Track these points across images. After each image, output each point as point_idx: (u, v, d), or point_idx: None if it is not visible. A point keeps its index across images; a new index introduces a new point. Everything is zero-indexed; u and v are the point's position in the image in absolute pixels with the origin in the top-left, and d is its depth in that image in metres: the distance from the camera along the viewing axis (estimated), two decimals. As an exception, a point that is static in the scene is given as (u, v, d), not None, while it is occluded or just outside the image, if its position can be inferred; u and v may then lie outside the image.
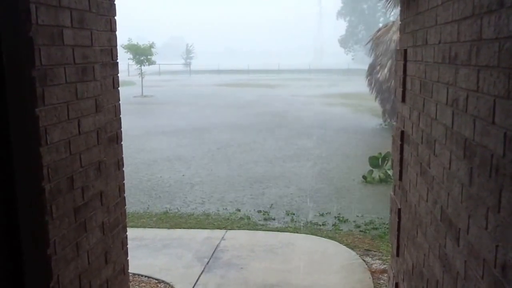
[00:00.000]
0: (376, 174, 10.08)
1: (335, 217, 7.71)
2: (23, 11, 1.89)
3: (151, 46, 35.02)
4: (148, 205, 8.38)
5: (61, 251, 2.15)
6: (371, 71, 18.40)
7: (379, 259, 5.87)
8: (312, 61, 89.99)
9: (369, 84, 18.64)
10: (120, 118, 3.08)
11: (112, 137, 2.92)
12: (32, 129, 1.95)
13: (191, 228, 7.16)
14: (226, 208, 8.21)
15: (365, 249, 6.23)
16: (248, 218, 7.66)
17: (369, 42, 18.39)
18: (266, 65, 78.04)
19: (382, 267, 5.58)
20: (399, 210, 3.52)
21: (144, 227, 7.19)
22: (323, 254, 6.08)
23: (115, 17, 2.96)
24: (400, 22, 3.72)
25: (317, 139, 15.10)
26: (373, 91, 18.33)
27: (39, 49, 1.99)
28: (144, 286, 5.18)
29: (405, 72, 3.36)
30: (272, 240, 6.59)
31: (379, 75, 17.07)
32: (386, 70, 16.18)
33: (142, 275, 5.39)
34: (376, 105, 19.01)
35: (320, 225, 7.31)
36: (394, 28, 15.35)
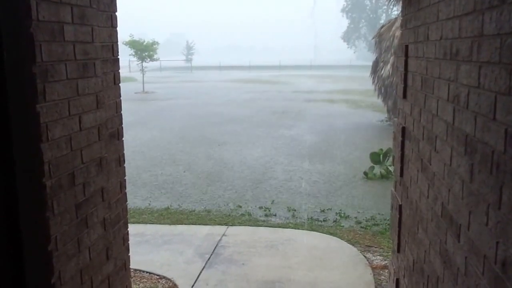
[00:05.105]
0: (377, 170, 10.07)
1: (336, 213, 7.72)
2: (23, 7, 1.89)
3: (154, 43, 34.95)
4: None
5: (62, 247, 2.16)
6: (375, 68, 18.25)
7: (380, 255, 5.87)
8: (314, 57, 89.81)
9: (373, 81, 18.39)
10: (121, 114, 3.07)
11: (113, 133, 2.92)
12: (33, 126, 1.95)
13: (192, 224, 7.18)
14: (227, 204, 8.23)
15: (366, 245, 6.23)
16: (249, 214, 7.68)
17: (374, 38, 18.26)
18: (267, 61, 78.02)
19: (383, 263, 5.58)
20: (400, 206, 3.52)
21: (146, 223, 7.22)
22: (324, 250, 6.08)
23: (116, 13, 2.96)
24: (401, 18, 3.71)
25: (317, 135, 15.09)
26: (376, 88, 18.19)
27: (40, 45, 1.98)
28: (146, 282, 5.20)
29: (406, 68, 3.35)
30: (273, 236, 6.60)
31: (382, 72, 16.97)
32: (389, 66, 16.11)
33: (143, 271, 5.41)
34: (378, 101, 18.96)
35: (321, 221, 7.32)
36: (397, 24, 15.27)
